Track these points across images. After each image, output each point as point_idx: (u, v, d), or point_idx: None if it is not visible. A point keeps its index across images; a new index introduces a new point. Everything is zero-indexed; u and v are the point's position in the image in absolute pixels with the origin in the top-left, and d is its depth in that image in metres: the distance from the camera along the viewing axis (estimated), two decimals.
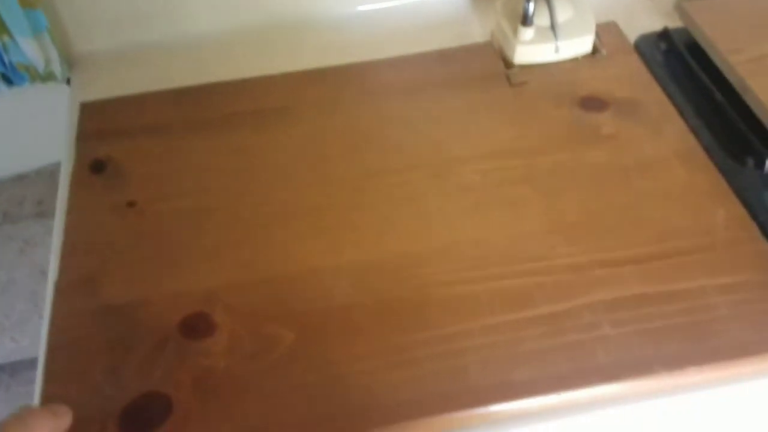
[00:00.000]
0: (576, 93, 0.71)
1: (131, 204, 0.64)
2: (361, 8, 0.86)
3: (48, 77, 0.86)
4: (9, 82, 0.87)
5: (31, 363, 1.17)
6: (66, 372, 0.53)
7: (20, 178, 1.18)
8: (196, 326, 0.55)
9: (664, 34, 0.77)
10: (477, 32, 0.81)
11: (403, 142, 0.68)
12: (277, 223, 0.62)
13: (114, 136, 0.70)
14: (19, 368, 1.18)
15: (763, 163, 0.64)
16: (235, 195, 0.64)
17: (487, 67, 0.75)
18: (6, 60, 0.84)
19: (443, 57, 0.77)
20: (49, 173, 1.15)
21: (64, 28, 0.83)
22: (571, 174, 0.64)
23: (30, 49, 0.83)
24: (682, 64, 0.74)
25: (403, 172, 0.65)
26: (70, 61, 0.85)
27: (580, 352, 0.52)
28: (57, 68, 0.84)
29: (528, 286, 0.56)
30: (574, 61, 0.75)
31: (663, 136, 0.67)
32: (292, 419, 0.49)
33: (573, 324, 0.54)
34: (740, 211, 0.61)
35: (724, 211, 0.61)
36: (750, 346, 0.52)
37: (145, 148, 0.69)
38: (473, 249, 0.59)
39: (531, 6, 0.71)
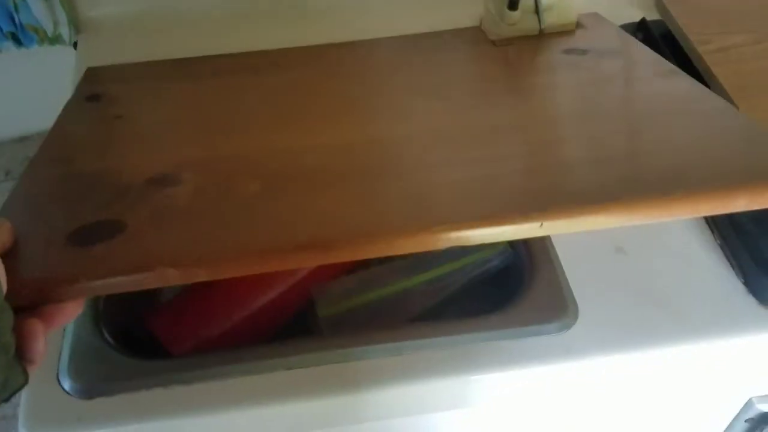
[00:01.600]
0: (559, 47, 0.74)
1: (118, 116, 0.66)
2: None
3: (56, 40, 0.88)
4: (18, 42, 0.90)
5: None
6: (21, 210, 0.52)
7: (22, 140, 1.20)
8: (163, 180, 0.55)
9: (642, 25, 0.81)
10: (466, 18, 0.84)
11: (388, 84, 0.71)
12: (255, 126, 0.63)
13: (112, 82, 0.73)
14: None
15: None
16: (216, 115, 0.65)
17: (474, 41, 0.79)
18: (16, 20, 0.87)
19: (431, 36, 0.80)
20: None
21: None
22: (554, 90, 0.66)
23: (40, 11, 0.85)
24: (657, 53, 0.78)
25: (379, 91, 0.68)
26: (77, 25, 0.87)
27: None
28: (65, 31, 0.87)
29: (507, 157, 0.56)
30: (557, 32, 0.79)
31: (643, 66, 0.69)
32: (252, 244, 0.48)
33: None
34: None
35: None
36: None
37: (140, 90, 0.71)
38: (451, 135, 0.59)
39: None
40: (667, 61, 0.69)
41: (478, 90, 0.67)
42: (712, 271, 0.63)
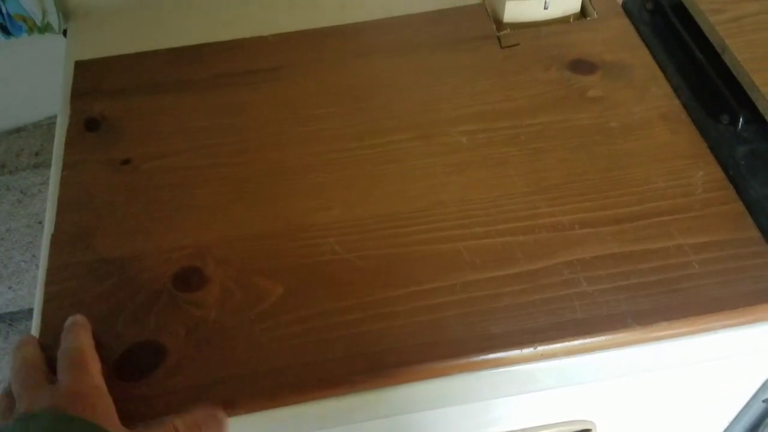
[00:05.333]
0: (565, 56, 0.72)
1: (126, 161, 0.65)
2: None
3: (45, 29, 0.86)
4: (7, 33, 0.88)
5: (29, 312, 1.20)
6: (60, 323, 0.54)
7: (18, 131, 1.19)
8: (189, 279, 0.57)
9: None
10: None
11: (391, 102, 0.69)
12: (266, 181, 0.63)
13: (108, 95, 0.72)
14: (18, 317, 1.21)
15: (737, 121, 0.66)
16: (225, 154, 0.66)
17: (478, 28, 0.76)
18: (4, 11, 0.85)
19: (435, 18, 0.77)
20: (47, 126, 1.17)
21: None
22: (556, 136, 0.66)
23: (27, 0, 0.83)
24: (667, 23, 0.75)
25: (390, 132, 0.67)
26: (66, 12, 0.85)
27: (558, 308, 0.54)
28: (54, 20, 0.85)
29: (509, 244, 0.58)
30: (565, 23, 0.76)
31: (648, 99, 0.68)
32: (279, 366, 0.52)
33: (551, 281, 0.56)
34: (718, 173, 0.62)
35: (704, 173, 0.62)
36: (719, 302, 0.54)
37: (138, 106, 0.70)
38: (457, 208, 0.60)
39: None
40: (668, 85, 0.70)
41: (482, 134, 0.66)
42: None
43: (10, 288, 1.19)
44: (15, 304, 1.19)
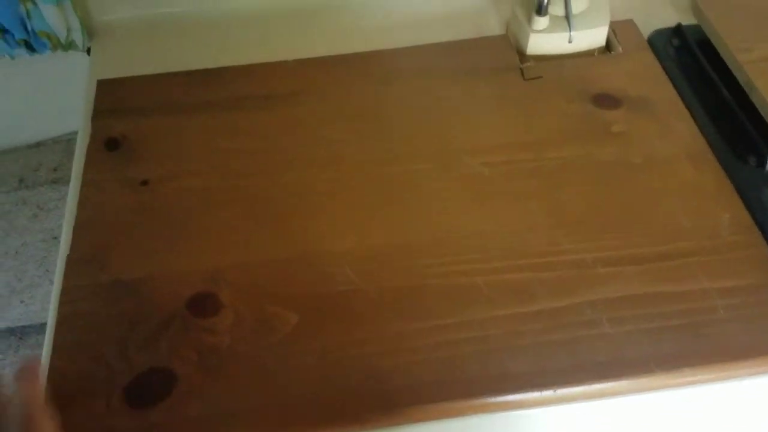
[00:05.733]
0: (589, 89, 0.72)
1: (144, 182, 0.65)
2: None
3: (69, 46, 0.87)
4: (31, 49, 0.88)
5: (41, 327, 1.20)
6: (73, 345, 0.54)
7: (37, 146, 1.20)
8: (203, 305, 0.56)
9: (678, 30, 0.77)
10: (494, 24, 0.81)
11: (411, 130, 0.69)
12: (282, 205, 0.63)
13: (128, 115, 0.71)
14: (28, 332, 1.21)
15: (765, 162, 0.65)
16: (243, 176, 0.65)
17: (501, 59, 0.75)
18: (29, 27, 0.85)
19: (458, 48, 0.77)
20: (66, 142, 1.17)
21: None
22: (579, 170, 0.65)
23: (52, 17, 0.84)
24: (693, 60, 0.74)
25: (410, 161, 0.66)
26: (90, 30, 0.85)
27: (579, 349, 0.53)
28: (78, 37, 0.85)
29: (530, 280, 0.57)
30: (590, 57, 0.76)
31: (673, 135, 0.67)
32: (290, 399, 0.51)
33: (573, 320, 0.55)
34: (745, 215, 0.61)
35: (730, 215, 0.61)
36: (744, 349, 0.53)
37: (157, 127, 0.70)
38: (476, 241, 0.59)
39: None
40: (694, 122, 0.68)
41: (503, 166, 0.65)
42: None
43: (22, 302, 1.19)
44: (26, 318, 1.19)
